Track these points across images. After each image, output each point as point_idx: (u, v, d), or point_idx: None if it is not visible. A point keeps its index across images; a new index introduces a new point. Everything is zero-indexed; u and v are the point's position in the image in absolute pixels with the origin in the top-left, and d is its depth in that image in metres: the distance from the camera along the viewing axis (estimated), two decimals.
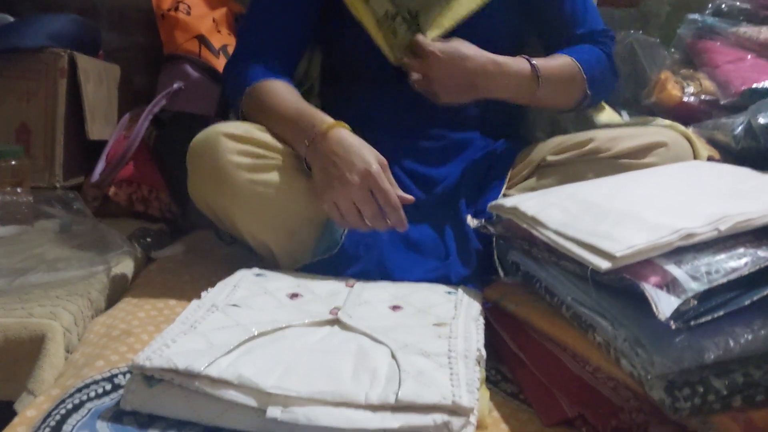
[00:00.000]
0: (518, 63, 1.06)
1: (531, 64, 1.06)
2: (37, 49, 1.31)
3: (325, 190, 0.93)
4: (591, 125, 1.16)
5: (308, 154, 0.96)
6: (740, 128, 1.12)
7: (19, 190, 1.19)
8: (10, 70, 1.31)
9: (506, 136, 1.18)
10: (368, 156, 0.92)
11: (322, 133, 0.95)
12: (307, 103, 1.03)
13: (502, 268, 0.91)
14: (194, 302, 0.79)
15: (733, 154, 1.14)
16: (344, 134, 0.95)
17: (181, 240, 1.28)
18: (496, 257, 0.91)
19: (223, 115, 1.40)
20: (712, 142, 1.18)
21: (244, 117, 1.08)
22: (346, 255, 0.97)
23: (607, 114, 1.18)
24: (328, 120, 0.97)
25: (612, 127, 1.09)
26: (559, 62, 1.09)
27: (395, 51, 1.09)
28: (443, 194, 1.10)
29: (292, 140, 1.00)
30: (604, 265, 0.63)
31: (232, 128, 0.98)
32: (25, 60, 1.31)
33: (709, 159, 1.06)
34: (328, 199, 0.93)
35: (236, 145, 0.96)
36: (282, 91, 1.05)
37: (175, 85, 1.41)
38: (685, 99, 1.27)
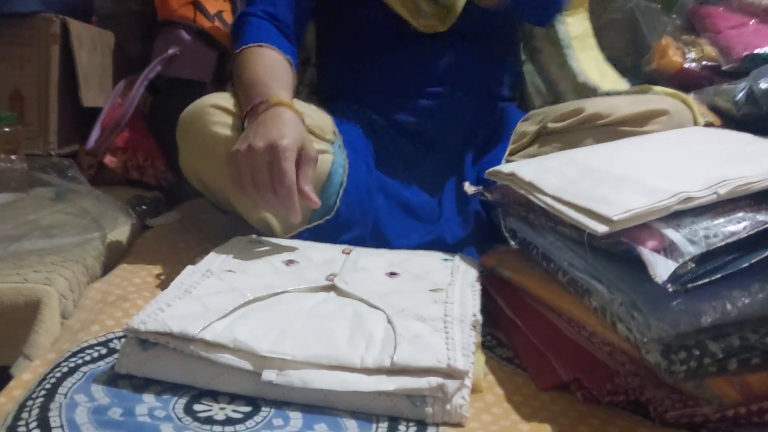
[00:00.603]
0: None
1: None
2: (29, 14, 1.29)
3: (235, 147, 0.87)
4: (592, 93, 1.14)
5: (246, 119, 0.92)
6: (741, 94, 1.11)
7: (13, 157, 1.18)
8: (1, 35, 1.29)
9: (506, 100, 1.17)
10: (288, 133, 0.86)
11: (266, 104, 0.91)
12: (279, 78, 0.98)
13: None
14: (189, 268, 0.79)
15: (734, 120, 1.12)
16: (285, 112, 0.90)
17: (177, 207, 1.27)
18: (503, 227, 0.89)
19: (219, 81, 1.38)
20: (713, 109, 1.16)
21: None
22: (341, 220, 0.96)
23: (609, 81, 1.17)
24: (282, 98, 0.92)
25: (612, 95, 1.08)
26: None
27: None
28: (444, 154, 1.09)
29: (242, 105, 0.96)
30: (601, 229, 0.62)
31: (220, 100, 0.97)
32: (16, 25, 1.29)
33: (709, 125, 1.05)
34: (231, 155, 0.87)
35: (225, 116, 0.95)
36: (261, 59, 1.01)
37: (170, 51, 1.39)
38: (686, 65, 1.26)
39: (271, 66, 1.01)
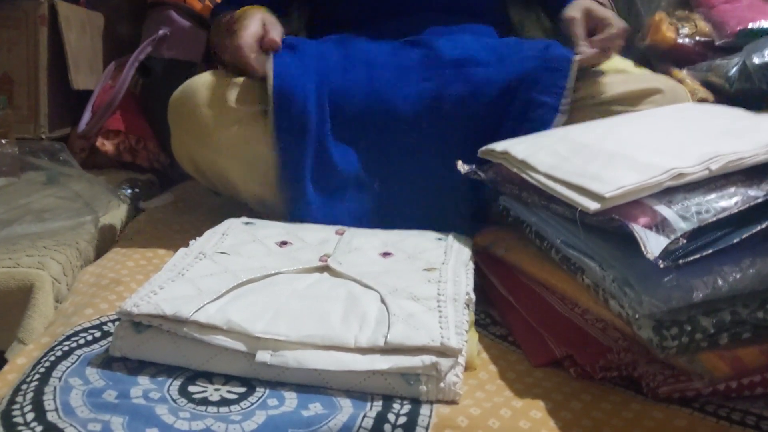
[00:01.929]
0: None
1: None
2: None
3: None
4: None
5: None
6: (735, 69, 1.10)
7: (3, 141, 1.17)
8: None
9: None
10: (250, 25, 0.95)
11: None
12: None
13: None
14: (182, 250, 0.79)
15: (727, 95, 1.12)
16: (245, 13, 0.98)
17: (170, 190, 1.27)
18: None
19: (210, 61, 1.37)
20: (706, 84, 1.16)
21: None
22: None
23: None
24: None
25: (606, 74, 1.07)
26: None
27: None
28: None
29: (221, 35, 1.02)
30: (593, 206, 0.62)
31: (212, 77, 0.96)
32: (3, 8, 1.28)
33: (703, 101, 1.05)
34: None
35: (218, 93, 0.95)
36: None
37: (161, 32, 1.38)
38: (680, 41, 1.25)
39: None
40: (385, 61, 1.01)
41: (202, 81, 0.96)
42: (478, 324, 0.77)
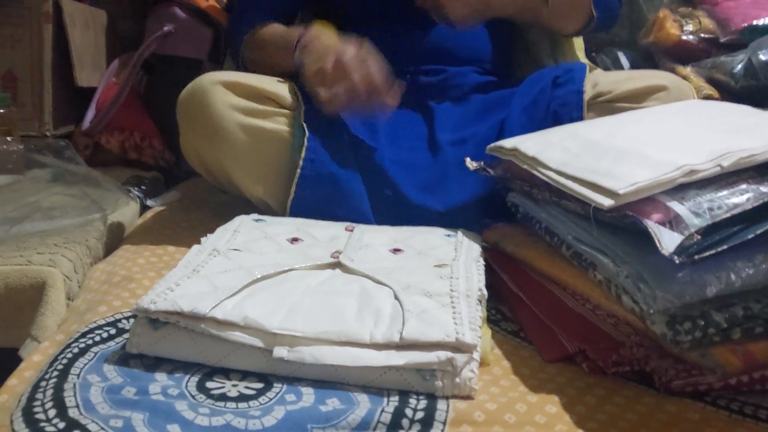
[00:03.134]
0: None
1: None
2: None
3: (311, 72, 0.95)
4: None
5: (298, 52, 0.99)
6: (740, 66, 1.11)
7: (9, 139, 1.17)
8: None
9: (500, 76, 1.17)
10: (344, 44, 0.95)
11: (308, 30, 1.00)
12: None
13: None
14: (195, 247, 0.79)
15: (732, 92, 1.13)
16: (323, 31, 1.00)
17: (177, 187, 1.27)
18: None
19: (215, 58, 1.38)
20: (711, 81, 1.16)
21: (245, 65, 1.13)
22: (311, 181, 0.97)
23: None
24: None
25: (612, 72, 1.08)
26: None
27: None
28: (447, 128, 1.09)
29: (283, 51, 1.03)
30: (606, 202, 0.63)
31: (223, 76, 0.97)
32: (7, 5, 1.28)
33: (708, 98, 1.06)
34: (312, 82, 0.95)
35: (228, 92, 0.95)
36: (274, 26, 1.10)
37: (165, 29, 1.37)
38: (684, 38, 1.25)
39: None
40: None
41: (211, 79, 0.96)
42: (490, 320, 0.77)
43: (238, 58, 1.15)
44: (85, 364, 0.63)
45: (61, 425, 0.54)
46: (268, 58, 1.09)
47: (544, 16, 1.08)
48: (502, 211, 0.90)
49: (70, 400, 0.57)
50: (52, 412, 0.56)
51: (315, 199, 0.96)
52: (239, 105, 0.95)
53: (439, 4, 1.02)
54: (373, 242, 0.84)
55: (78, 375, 0.61)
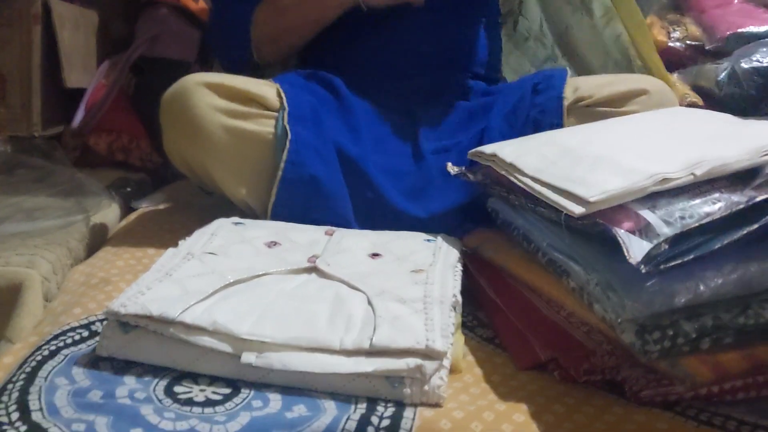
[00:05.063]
0: None
1: None
2: None
3: None
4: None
5: None
6: (724, 74, 1.11)
7: None
8: None
9: (488, 80, 1.17)
10: None
11: None
12: None
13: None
14: (170, 250, 0.79)
15: (716, 100, 1.13)
16: None
17: (162, 190, 1.27)
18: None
19: (204, 61, 1.38)
20: (696, 89, 1.17)
21: (257, 49, 1.14)
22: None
23: None
24: None
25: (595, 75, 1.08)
26: None
27: None
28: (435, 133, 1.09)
29: None
30: (577, 210, 0.63)
31: (206, 77, 0.97)
32: None
33: (692, 105, 1.06)
34: None
35: (212, 93, 0.95)
36: None
37: (155, 31, 1.37)
38: (671, 44, 1.26)
39: None
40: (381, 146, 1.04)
41: (195, 80, 0.96)
42: (465, 326, 0.77)
43: (236, 51, 1.14)
44: (54, 367, 0.63)
45: (23, 428, 0.54)
46: (300, 14, 1.09)
47: None
48: (485, 217, 0.90)
49: (34, 403, 0.57)
50: (15, 415, 0.56)
51: (296, 201, 0.96)
52: (222, 106, 0.95)
53: None
54: (352, 246, 0.84)
55: (46, 378, 0.61)
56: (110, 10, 1.51)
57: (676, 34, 1.26)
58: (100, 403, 0.58)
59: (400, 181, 1.01)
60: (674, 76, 1.16)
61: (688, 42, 1.24)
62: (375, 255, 0.82)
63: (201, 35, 1.40)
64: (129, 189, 1.22)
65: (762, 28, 1.18)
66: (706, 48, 1.22)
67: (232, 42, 1.16)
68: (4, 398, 0.58)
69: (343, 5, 1.07)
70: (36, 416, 0.55)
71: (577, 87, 0.99)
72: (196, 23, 1.40)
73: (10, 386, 0.59)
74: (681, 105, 1.03)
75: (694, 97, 1.12)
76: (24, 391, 0.58)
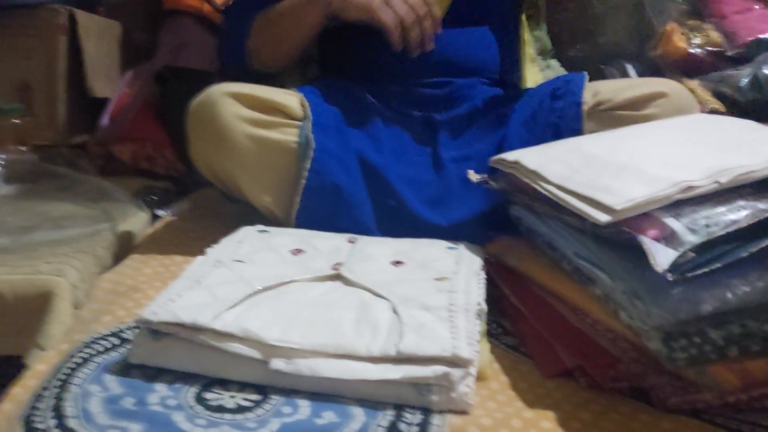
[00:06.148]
0: None
1: None
2: (36, 5, 1.30)
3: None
4: None
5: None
6: (746, 80, 1.11)
7: (23, 148, 1.19)
8: (9, 27, 1.30)
9: (506, 87, 1.17)
10: None
11: None
12: None
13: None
14: (199, 258, 0.80)
15: (738, 106, 1.12)
16: None
17: (187, 197, 1.28)
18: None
19: (226, 71, 1.39)
20: (718, 95, 1.16)
21: (253, 56, 1.16)
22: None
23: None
24: None
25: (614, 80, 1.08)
26: None
27: None
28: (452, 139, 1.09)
29: (308, 5, 1.06)
30: (603, 218, 0.63)
31: (232, 87, 0.98)
32: (23, 16, 1.30)
33: (714, 112, 1.05)
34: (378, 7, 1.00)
35: (237, 103, 0.96)
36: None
37: (178, 41, 1.39)
38: (692, 51, 1.25)
39: None
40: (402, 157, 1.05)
41: (221, 90, 0.97)
42: (490, 334, 0.77)
43: (236, 56, 1.17)
44: (87, 375, 0.64)
45: None
46: (286, 24, 1.10)
47: None
48: (506, 225, 0.91)
49: (70, 410, 0.58)
50: (52, 422, 0.57)
51: (319, 209, 0.97)
52: (247, 116, 0.97)
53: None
54: (374, 254, 0.85)
55: (80, 385, 0.62)
56: (133, 20, 1.53)
57: (697, 41, 1.25)
58: (133, 410, 0.59)
59: (421, 190, 1.02)
60: (695, 83, 1.16)
61: (708, 48, 1.24)
62: (398, 263, 0.83)
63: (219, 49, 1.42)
64: (154, 197, 1.24)
65: None
66: (728, 54, 1.21)
67: (228, 48, 1.22)
68: (40, 405, 0.59)
69: (317, 23, 1.08)
70: (73, 423, 0.56)
71: (597, 91, 0.99)
72: (217, 32, 1.42)
73: (45, 393, 0.61)
74: (702, 112, 1.03)
75: (716, 104, 1.12)
76: (60, 398, 0.60)
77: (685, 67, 1.23)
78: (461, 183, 0.97)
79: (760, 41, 1.19)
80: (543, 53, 1.37)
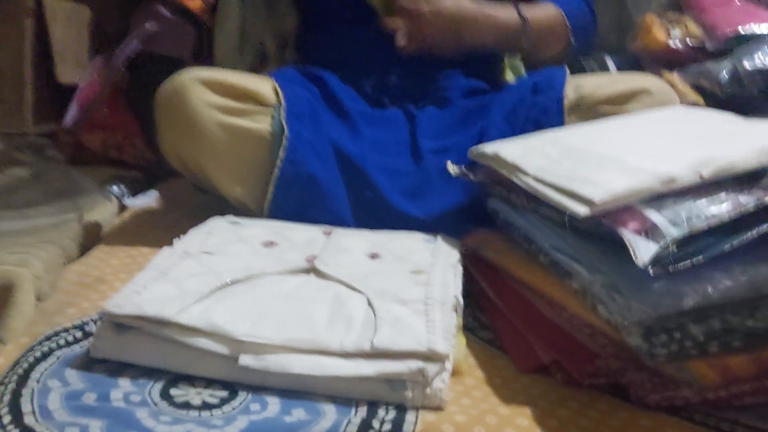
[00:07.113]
0: (507, 12, 1.07)
1: (520, 14, 1.07)
2: None
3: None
4: None
5: None
6: (725, 73, 1.10)
7: None
8: None
9: (486, 80, 1.16)
10: None
11: None
12: None
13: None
14: (166, 249, 0.77)
15: (718, 99, 1.12)
16: None
17: (156, 187, 1.25)
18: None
19: (198, 58, 1.36)
20: (697, 88, 1.15)
21: None
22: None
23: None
24: None
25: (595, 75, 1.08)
26: (546, 13, 1.11)
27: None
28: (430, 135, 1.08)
29: None
30: (582, 210, 0.62)
31: (202, 73, 0.95)
32: None
33: (693, 105, 1.05)
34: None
35: (207, 90, 0.94)
36: None
37: (148, 27, 1.35)
38: (671, 44, 1.24)
39: None
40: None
41: (190, 76, 0.95)
42: (466, 328, 0.76)
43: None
44: (47, 369, 0.62)
45: None
46: None
47: (523, 46, 1.10)
48: (484, 218, 0.89)
49: (26, 406, 0.56)
50: (7, 419, 0.54)
51: (293, 200, 0.95)
52: (218, 103, 0.94)
53: (417, 43, 1.05)
54: (350, 246, 0.83)
55: (38, 380, 0.60)
56: (104, 5, 1.49)
57: (676, 33, 1.24)
58: (94, 406, 0.56)
59: (399, 181, 1.00)
60: (675, 75, 1.15)
61: (688, 41, 1.23)
62: (374, 255, 0.81)
63: (196, 32, 1.38)
64: (123, 186, 1.21)
65: (764, 27, 1.17)
66: (707, 47, 1.21)
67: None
68: None
69: None
70: (29, 419, 0.54)
71: (578, 86, 0.98)
72: (190, 19, 1.38)
73: (1, 388, 0.58)
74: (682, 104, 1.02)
75: (695, 97, 1.11)
76: (16, 394, 0.57)
77: (665, 60, 1.22)
78: (440, 175, 0.95)
79: (739, 34, 1.18)
80: None
